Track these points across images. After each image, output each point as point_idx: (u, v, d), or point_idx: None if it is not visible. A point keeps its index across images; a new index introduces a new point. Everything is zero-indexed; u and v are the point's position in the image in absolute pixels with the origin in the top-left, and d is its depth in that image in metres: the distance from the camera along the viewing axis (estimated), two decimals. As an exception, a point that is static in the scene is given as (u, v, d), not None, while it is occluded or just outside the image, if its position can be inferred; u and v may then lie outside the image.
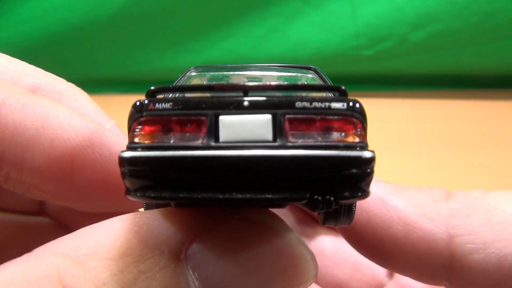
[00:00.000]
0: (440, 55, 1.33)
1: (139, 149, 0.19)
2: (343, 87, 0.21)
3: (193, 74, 0.28)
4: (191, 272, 0.18)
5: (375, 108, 0.45)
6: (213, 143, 0.19)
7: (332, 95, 0.23)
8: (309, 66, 0.28)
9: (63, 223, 0.33)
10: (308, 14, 1.40)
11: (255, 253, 0.18)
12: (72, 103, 0.28)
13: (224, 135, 0.19)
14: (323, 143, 0.20)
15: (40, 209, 0.32)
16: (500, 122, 1.03)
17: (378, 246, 0.25)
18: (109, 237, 0.18)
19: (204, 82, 0.27)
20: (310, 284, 0.19)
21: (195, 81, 0.27)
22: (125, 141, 0.21)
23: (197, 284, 0.18)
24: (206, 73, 0.28)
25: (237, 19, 1.48)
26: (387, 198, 0.25)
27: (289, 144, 0.19)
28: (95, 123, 0.26)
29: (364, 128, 0.20)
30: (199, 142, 0.19)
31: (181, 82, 0.27)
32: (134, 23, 1.53)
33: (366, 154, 0.19)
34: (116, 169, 0.20)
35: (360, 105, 0.20)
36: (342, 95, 0.21)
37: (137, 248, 0.18)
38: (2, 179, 0.24)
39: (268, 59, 1.50)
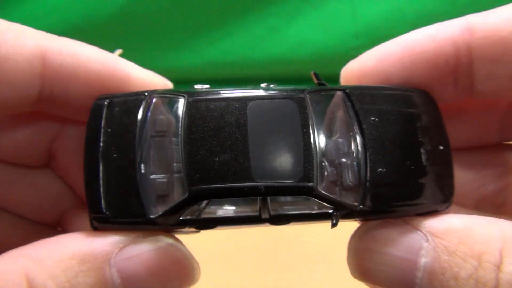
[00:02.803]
0: (440, 55, 1.33)
1: None
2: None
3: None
4: (115, 273, 0.27)
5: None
6: None
7: None
8: None
9: None
10: (308, 14, 1.40)
11: (159, 262, 0.28)
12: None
13: None
14: None
15: (58, 221, 0.41)
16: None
17: None
18: (62, 246, 0.27)
19: None
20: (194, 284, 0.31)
21: None
22: (134, 66, 0.34)
23: (119, 281, 0.27)
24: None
25: (237, 19, 1.48)
26: None
27: None
28: (110, 53, 0.34)
29: None
30: None
31: None
32: (134, 23, 1.53)
33: None
34: (132, 87, 0.32)
35: None
36: None
37: (80, 254, 0.26)
38: (48, 106, 0.32)
39: (268, 59, 1.51)
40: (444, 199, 0.29)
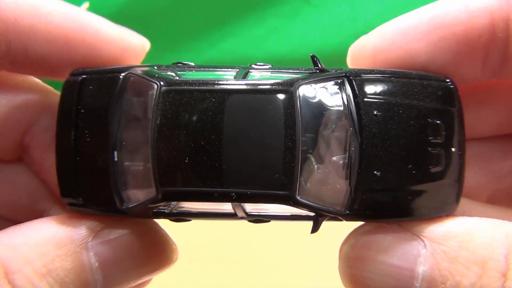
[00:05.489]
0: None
1: None
2: None
3: None
4: (93, 257, 0.26)
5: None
6: None
7: None
8: None
9: None
10: (308, 14, 1.40)
11: (136, 245, 0.28)
12: None
13: None
14: None
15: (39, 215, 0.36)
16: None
17: None
18: (36, 232, 0.26)
19: None
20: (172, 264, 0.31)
21: None
22: (104, 22, 0.31)
23: (96, 264, 0.26)
24: None
25: (237, 19, 1.48)
26: None
27: None
28: (75, 7, 0.31)
29: None
30: None
31: None
32: (134, 23, 1.52)
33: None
34: (101, 44, 0.30)
35: None
36: None
37: (56, 239, 0.26)
38: (8, 64, 0.30)
39: (268, 59, 1.50)
40: (446, 208, 0.26)
